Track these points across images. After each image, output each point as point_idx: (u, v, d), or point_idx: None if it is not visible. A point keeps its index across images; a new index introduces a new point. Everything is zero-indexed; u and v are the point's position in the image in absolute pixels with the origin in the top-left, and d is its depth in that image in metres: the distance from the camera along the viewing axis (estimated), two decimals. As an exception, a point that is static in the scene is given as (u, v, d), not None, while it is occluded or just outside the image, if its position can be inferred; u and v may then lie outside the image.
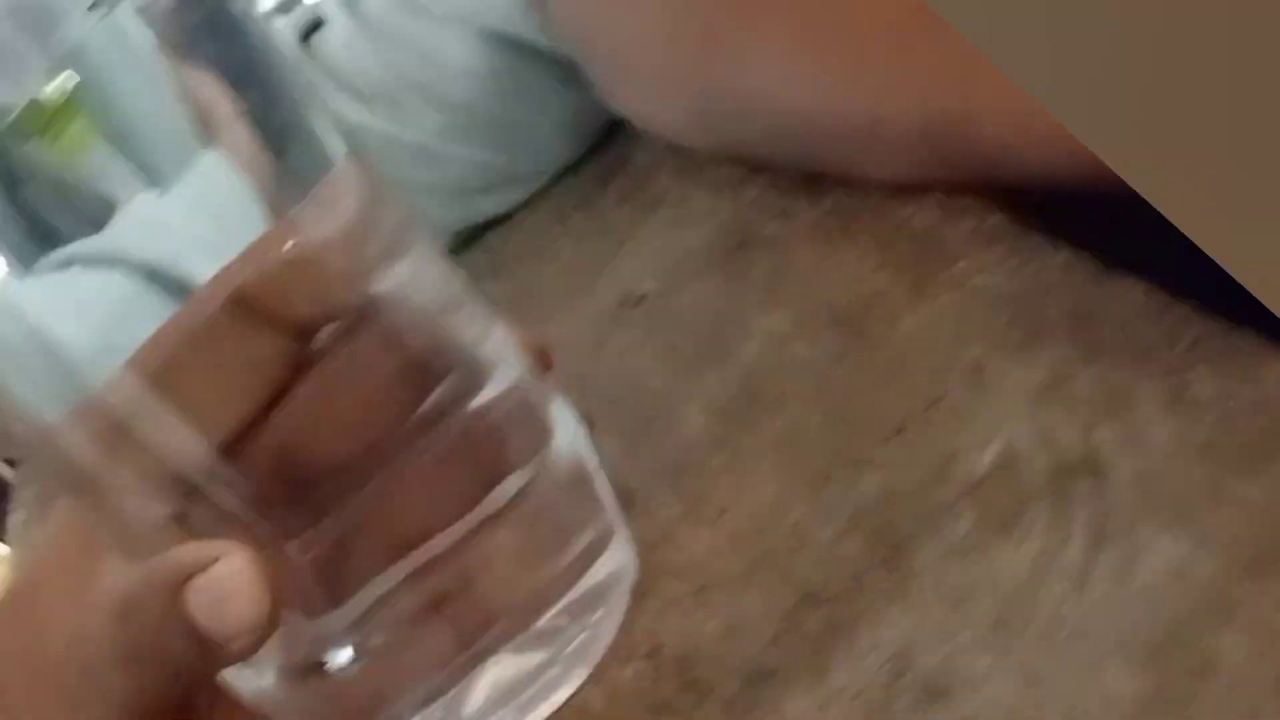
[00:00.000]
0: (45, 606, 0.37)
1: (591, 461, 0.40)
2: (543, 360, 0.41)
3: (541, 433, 0.39)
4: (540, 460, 0.38)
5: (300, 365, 0.34)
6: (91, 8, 0.32)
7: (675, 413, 0.50)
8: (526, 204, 0.67)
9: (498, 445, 0.38)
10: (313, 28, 0.68)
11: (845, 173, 0.52)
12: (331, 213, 0.34)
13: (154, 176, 0.33)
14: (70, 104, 0.32)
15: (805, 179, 0.54)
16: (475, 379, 0.38)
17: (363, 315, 0.34)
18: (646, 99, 0.59)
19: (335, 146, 0.35)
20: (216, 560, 0.32)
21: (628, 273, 0.58)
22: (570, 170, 0.67)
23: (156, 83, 0.34)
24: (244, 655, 0.32)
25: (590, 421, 0.40)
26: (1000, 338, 0.44)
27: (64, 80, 0.32)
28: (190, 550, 0.32)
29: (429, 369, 0.36)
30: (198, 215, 0.34)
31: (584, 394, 0.54)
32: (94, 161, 0.33)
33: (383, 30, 0.65)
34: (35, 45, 0.31)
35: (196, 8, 0.33)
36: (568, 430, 0.40)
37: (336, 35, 0.67)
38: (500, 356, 0.38)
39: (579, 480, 0.40)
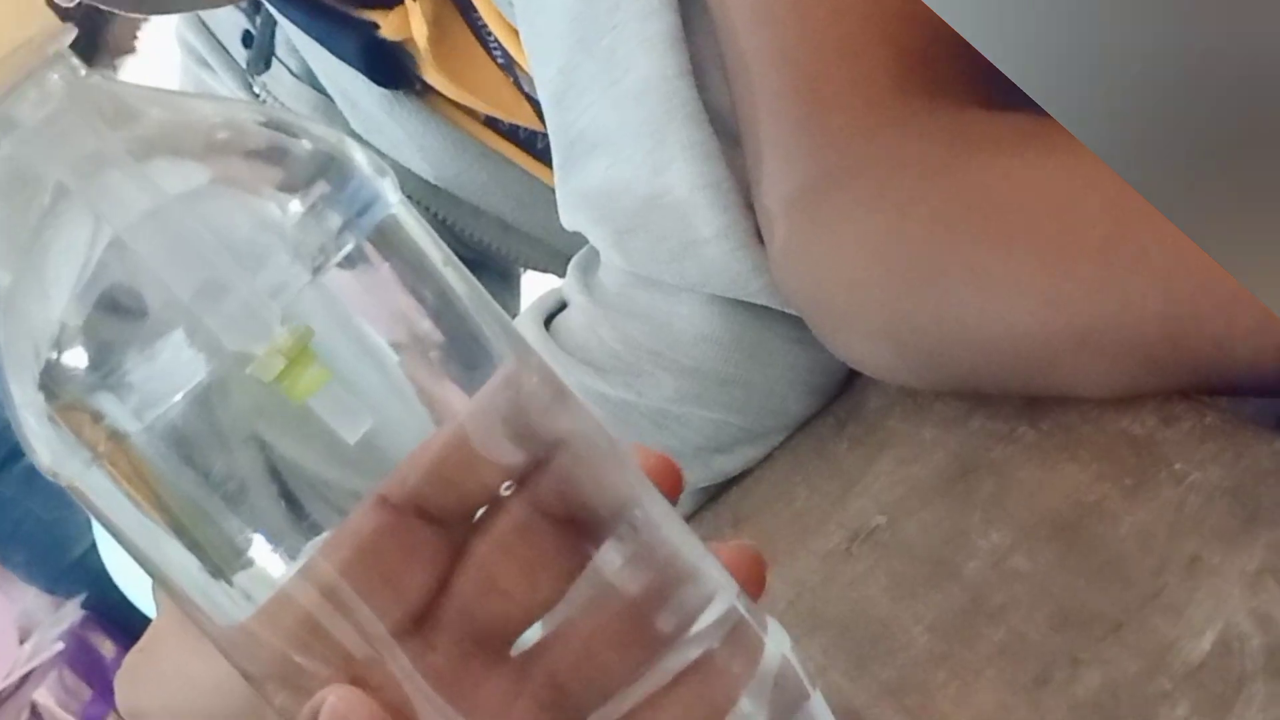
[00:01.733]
0: None
1: (807, 684, 0.40)
2: (755, 575, 0.41)
3: (754, 654, 0.39)
4: (755, 683, 0.39)
5: (464, 543, 0.36)
6: (316, 269, 0.35)
7: (900, 634, 0.50)
8: (766, 459, 0.68)
9: (714, 668, 0.38)
10: (556, 311, 0.72)
11: (1062, 393, 0.53)
12: (490, 403, 0.37)
13: (374, 430, 0.36)
14: (305, 352, 0.35)
15: (1027, 403, 0.55)
16: (696, 605, 0.39)
17: (521, 484, 0.36)
18: (862, 344, 0.60)
19: (501, 341, 0.38)
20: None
21: (859, 510, 0.58)
22: (807, 422, 0.68)
23: (361, 336, 0.37)
24: None
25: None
26: (1217, 528, 0.43)
27: (297, 329, 0.35)
28: (306, 711, 0.35)
29: (591, 529, 0.37)
30: None
31: (815, 627, 0.54)
32: (329, 402, 0.35)
33: (617, 305, 0.68)
34: (269, 297, 0.35)
35: (366, 227, 0.36)
36: (779, 650, 0.40)
37: (575, 315, 0.70)
38: (718, 581, 0.39)
39: (793, 701, 0.40)
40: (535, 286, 0.97)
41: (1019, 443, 0.54)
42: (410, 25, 0.80)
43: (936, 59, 0.57)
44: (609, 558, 0.38)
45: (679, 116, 0.62)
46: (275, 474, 0.36)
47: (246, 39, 0.91)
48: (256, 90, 0.90)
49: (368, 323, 0.37)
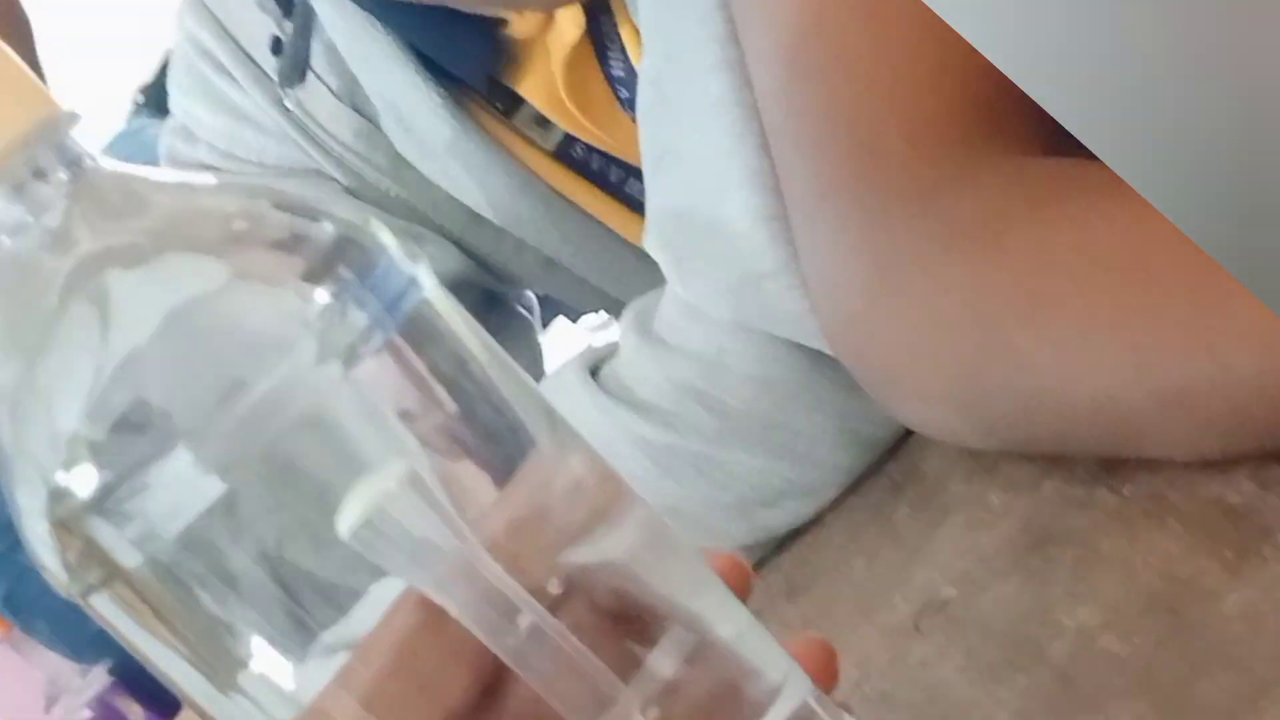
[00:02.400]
0: None
1: None
2: (828, 668, 0.39)
3: None
4: None
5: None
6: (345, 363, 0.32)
7: (984, 722, 0.46)
8: (818, 523, 0.65)
9: None
10: (605, 361, 0.69)
11: (1147, 455, 0.49)
12: (527, 497, 0.34)
13: None
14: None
15: (1104, 465, 0.51)
16: (765, 698, 0.36)
17: (569, 589, 0.33)
18: (924, 409, 0.56)
19: (543, 431, 0.35)
20: None
21: (924, 581, 0.55)
22: (860, 483, 0.65)
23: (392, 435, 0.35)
24: None
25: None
26: (1336, 608, 0.39)
27: None
28: None
29: (644, 629, 0.34)
30: None
31: (887, 711, 0.51)
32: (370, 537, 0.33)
33: (670, 340, 0.65)
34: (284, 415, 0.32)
35: (397, 317, 0.33)
36: None
37: (624, 357, 0.67)
38: (787, 675, 0.36)
39: None
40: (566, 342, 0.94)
41: (1099, 509, 0.50)
42: (546, 23, 0.77)
43: (993, 107, 0.54)
44: (667, 658, 0.35)
45: (749, 144, 0.60)
46: (281, 580, 0.34)
47: (276, 46, 0.82)
48: (289, 105, 0.82)
49: (394, 414, 0.34)
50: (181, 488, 0.31)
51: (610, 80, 0.79)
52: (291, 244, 0.34)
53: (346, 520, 0.32)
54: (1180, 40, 0.26)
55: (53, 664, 1.96)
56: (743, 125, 0.61)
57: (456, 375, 0.35)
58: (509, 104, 0.82)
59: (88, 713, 1.86)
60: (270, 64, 0.83)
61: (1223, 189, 0.28)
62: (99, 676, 1.91)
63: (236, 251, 0.33)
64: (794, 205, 0.59)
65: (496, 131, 0.83)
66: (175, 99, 0.88)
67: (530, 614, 0.33)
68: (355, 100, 0.83)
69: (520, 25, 0.78)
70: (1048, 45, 0.28)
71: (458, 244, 0.86)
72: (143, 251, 0.32)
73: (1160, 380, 0.45)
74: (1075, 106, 0.30)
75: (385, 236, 0.34)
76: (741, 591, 0.38)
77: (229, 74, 0.84)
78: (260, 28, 0.83)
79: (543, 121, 0.82)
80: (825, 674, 0.38)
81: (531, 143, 0.83)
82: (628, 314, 0.69)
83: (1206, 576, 0.44)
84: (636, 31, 0.72)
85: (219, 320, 0.32)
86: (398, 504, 0.32)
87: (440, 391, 0.34)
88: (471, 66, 0.79)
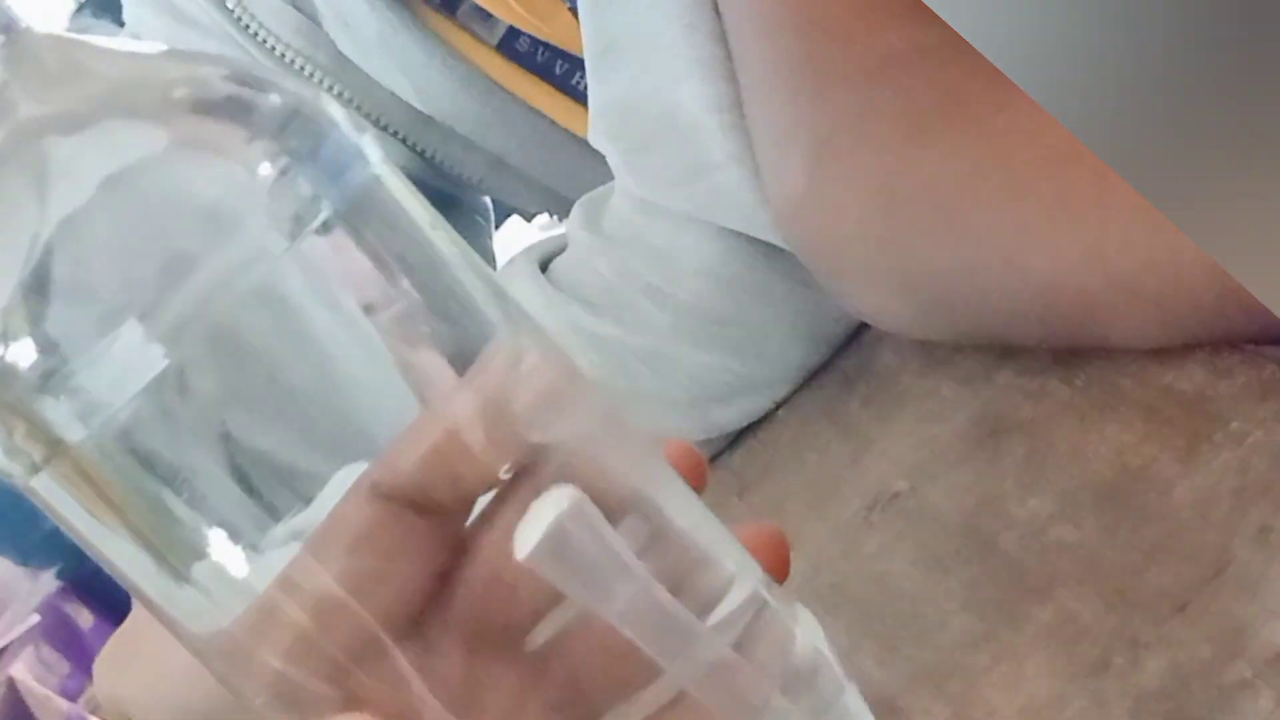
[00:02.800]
0: None
1: (843, 676, 0.37)
2: (779, 556, 0.38)
3: (785, 645, 0.36)
4: (788, 678, 0.36)
5: (465, 537, 0.32)
6: (291, 237, 0.31)
7: (934, 613, 0.46)
8: (770, 418, 0.65)
9: (743, 661, 0.35)
10: (552, 256, 0.68)
11: (1100, 344, 0.49)
12: (484, 383, 0.33)
13: (353, 410, 0.33)
14: None
15: (1057, 357, 0.51)
16: (718, 588, 0.35)
17: (524, 473, 0.33)
18: (872, 293, 0.56)
19: (496, 311, 0.34)
20: None
21: (877, 474, 0.55)
22: (814, 378, 0.64)
23: (342, 311, 0.34)
24: None
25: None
26: (1287, 495, 0.39)
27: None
28: None
29: (604, 511, 0.34)
30: None
31: (837, 603, 0.51)
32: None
33: (621, 235, 0.64)
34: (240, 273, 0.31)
35: (345, 190, 0.32)
36: (812, 640, 0.36)
37: (573, 252, 0.66)
38: (740, 565, 0.36)
39: (829, 695, 0.37)
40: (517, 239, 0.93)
41: (1052, 400, 0.50)
42: None
43: None
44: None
45: (699, 33, 0.59)
46: (235, 464, 0.33)
47: None
48: (231, 6, 0.82)
49: (346, 296, 0.33)
50: (127, 360, 0.30)
51: None
52: (238, 113, 0.33)
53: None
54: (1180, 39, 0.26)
55: (1, 570, 1.95)
56: (693, 14, 0.59)
57: (408, 254, 0.34)
58: (450, 3, 0.81)
59: (36, 617, 1.85)
60: None
61: (1219, 185, 0.28)
62: (47, 581, 1.90)
63: (181, 119, 0.32)
64: (746, 87, 0.58)
65: (439, 26, 0.81)
66: (125, 4, 0.88)
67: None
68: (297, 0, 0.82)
69: None
70: (1041, 38, 0.28)
71: (405, 145, 0.85)
72: (82, 118, 0.31)
73: (1113, 263, 0.45)
74: (1069, 100, 0.29)
75: (334, 110, 0.33)
76: (696, 481, 0.37)
77: None
78: None
79: (485, 15, 0.81)
80: (777, 562, 0.38)
81: (476, 37, 0.82)
82: (576, 209, 0.68)
83: (1158, 465, 0.44)
84: None
85: (162, 188, 0.31)
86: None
87: (392, 270, 0.34)
88: None
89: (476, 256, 0.35)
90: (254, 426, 0.33)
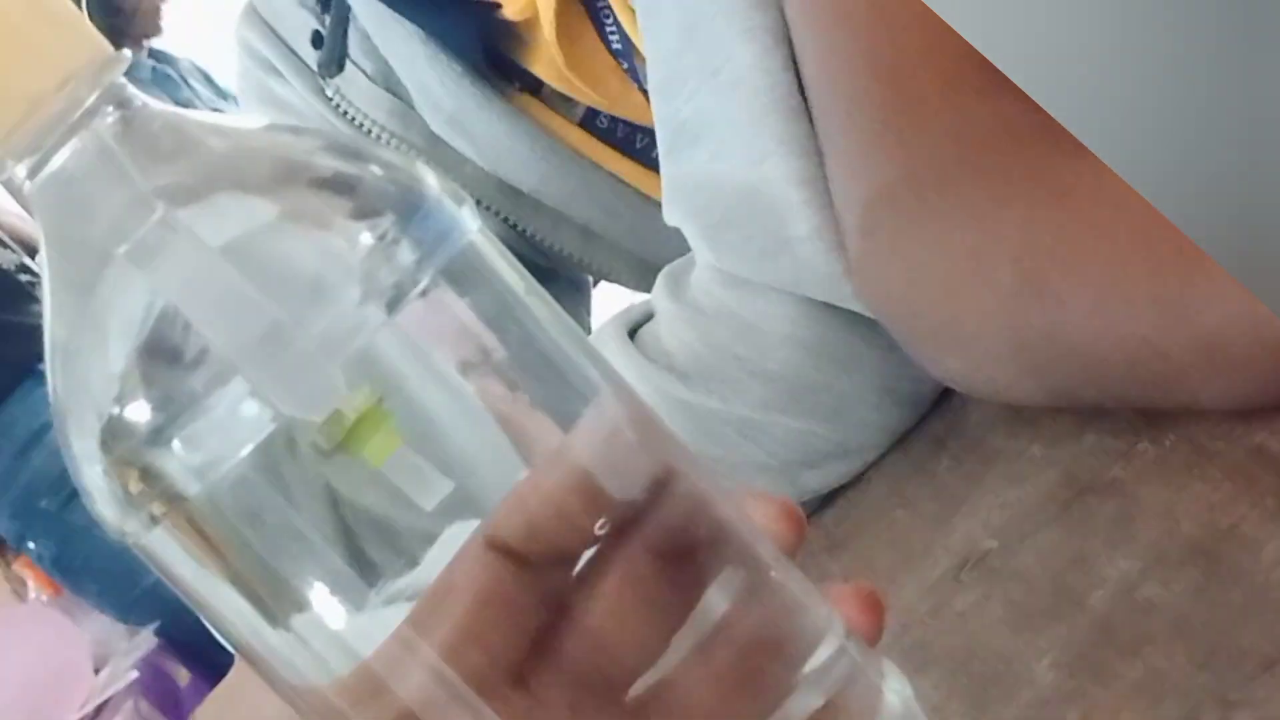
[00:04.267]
0: None
1: None
2: (874, 615, 0.39)
3: (872, 701, 0.37)
4: None
5: (566, 591, 0.33)
6: (390, 306, 0.32)
7: (1024, 671, 0.46)
8: (860, 478, 0.65)
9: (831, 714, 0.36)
10: (640, 323, 0.69)
11: (1190, 406, 0.49)
12: (588, 443, 0.34)
13: (457, 472, 0.34)
14: (373, 412, 0.32)
15: (1145, 417, 0.51)
16: (807, 644, 0.36)
17: (625, 528, 0.34)
18: (957, 360, 0.56)
19: (591, 373, 0.35)
20: None
21: (965, 533, 0.55)
22: (902, 440, 0.65)
23: (441, 376, 0.35)
24: None
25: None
26: (1377, 554, 0.39)
27: (365, 390, 0.32)
28: None
29: (697, 571, 0.34)
30: None
31: (925, 661, 0.51)
32: (401, 467, 0.33)
33: (706, 306, 0.65)
34: (330, 357, 0.32)
35: (442, 258, 0.33)
36: (899, 696, 0.37)
37: (661, 322, 0.67)
38: (830, 622, 0.37)
39: None
40: (609, 301, 0.94)
41: (1140, 460, 0.50)
42: (535, 3, 0.78)
43: None
44: (716, 600, 0.35)
45: (779, 110, 0.60)
46: (341, 521, 0.34)
47: (316, 40, 0.86)
48: (330, 94, 0.86)
49: (448, 360, 0.34)
50: (239, 418, 0.31)
51: (614, 54, 0.79)
52: (340, 185, 0.34)
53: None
54: (1179, 39, 0.26)
55: (101, 626, 1.98)
56: (769, 93, 0.61)
57: (505, 317, 0.35)
58: (531, 83, 0.83)
59: (135, 674, 1.88)
60: (312, 57, 0.87)
61: (1223, 189, 0.29)
62: (146, 638, 1.93)
63: (287, 192, 0.34)
64: (831, 157, 0.59)
65: (523, 104, 0.84)
66: (241, 102, 0.93)
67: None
68: (389, 83, 0.86)
69: (511, 7, 0.79)
70: (1046, 42, 0.29)
71: (499, 219, 0.87)
72: (194, 190, 0.33)
73: (1197, 326, 0.45)
74: (1072, 104, 0.30)
75: (430, 179, 0.35)
76: (795, 535, 0.38)
77: (276, 70, 0.88)
78: (302, 24, 0.87)
79: (566, 97, 0.83)
80: (872, 620, 0.38)
81: (559, 113, 0.84)
82: (661, 279, 0.70)
83: (1247, 524, 0.44)
84: (627, 3, 0.73)
85: (269, 259, 0.33)
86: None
87: (490, 334, 0.35)
88: (468, 45, 0.81)
89: (571, 321, 0.36)
90: (358, 493, 0.34)
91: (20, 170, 0.33)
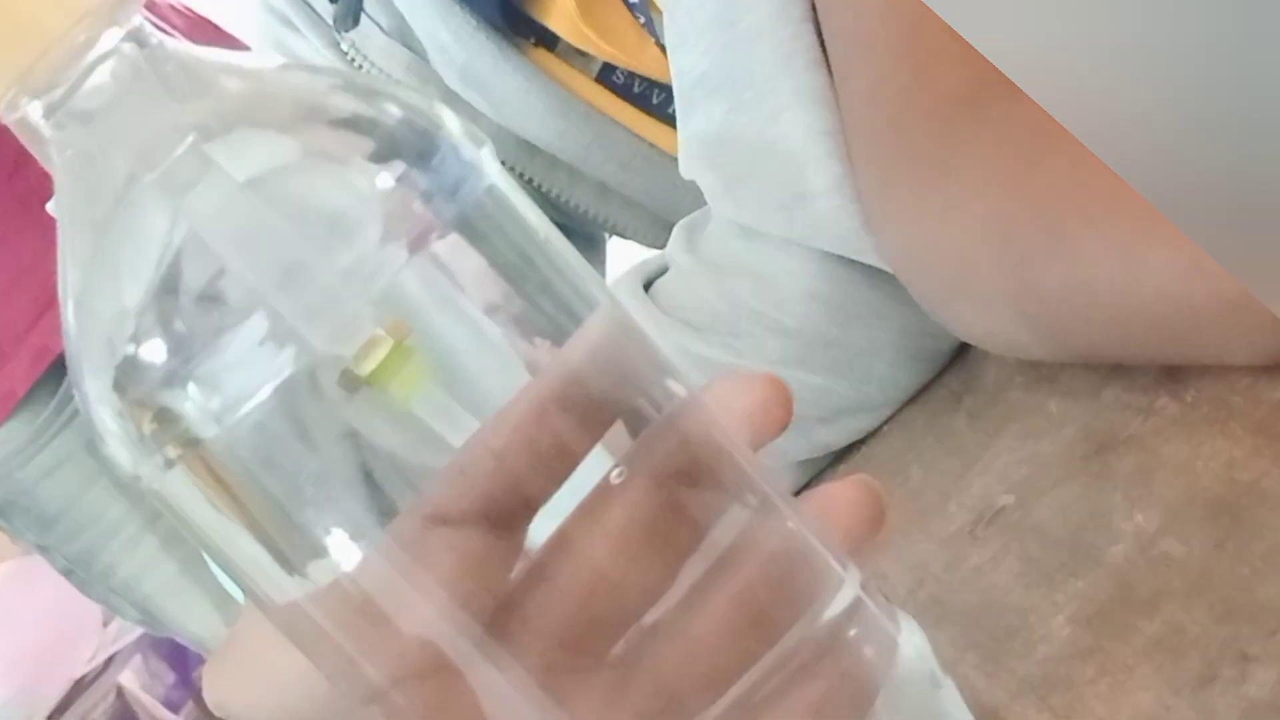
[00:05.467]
0: None
1: (941, 675, 0.37)
2: (874, 506, 0.38)
3: (887, 649, 0.36)
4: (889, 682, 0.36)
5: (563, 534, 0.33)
6: (412, 246, 0.32)
7: (1039, 626, 0.46)
8: (875, 433, 0.65)
9: (843, 666, 0.35)
10: (656, 276, 0.69)
11: (1214, 361, 0.49)
12: (583, 354, 0.34)
13: (482, 412, 0.33)
14: (400, 349, 0.32)
15: (1166, 373, 0.51)
16: (817, 594, 0.35)
17: (632, 461, 0.33)
18: (978, 315, 0.56)
19: (596, 291, 0.35)
20: None
21: (981, 489, 0.55)
22: (919, 395, 0.64)
23: (465, 315, 0.34)
24: None
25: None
26: (1401, 509, 0.39)
27: (393, 326, 0.32)
28: None
29: (700, 507, 0.34)
30: None
31: (941, 616, 0.51)
32: (428, 406, 0.32)
33: (722, 260, 0.65)
34: (362, 285, 0.32)
35: (463, 199, 0.33)
36: (915, 648, 0.37)
37: (676, 276, 0.67)
38: (845, 567, 0.36)
39: (927, 697, 0.37)
40: (622, 258, 0.94)
41: (1160, 416, 0.50)
42: None
43: None
44: (717, 540, 0.34)
45: (798, 61, 0.59)
46: (362, 465, 0.33)
47: None
48: (345, 48, 0.85)
49: (470, 301, 0.34)
50: (259, 358, 0.31)
51: (630, 7, 0.79)
52: (357, 125, 0.34)
53: None
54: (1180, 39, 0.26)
55: (109, 580, 1.98)
56: (791, 44, 0.60)
57: (523, 260, 0.34)
58: (547, 38, 0.83)
59: (141, 628, 1.88)
60: (328, 11, 0.86)
61: (1221, 188, 0.28)
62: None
63: (307, 130, 0.33)
64: (849, 111, 0.58)
65: (538, 58, 0.83)
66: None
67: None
68: (405, 38, 0.85)
69: None
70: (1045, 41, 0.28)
71: (515, 175, 0.87)
72: (213, 129, 0.32)
73: (1222, 280, 0.45)
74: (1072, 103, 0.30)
75: (450, 120, 0.34)
76: (783, 415, 0.37)
77: (291, 24, 0.88)
78: None
79: (582, 51, 0.83)
80: (873, 513, 0.38)
81: (575, 68, 0.84)
82: (676, 232, 0.69)
83: (1268, 480, 0.43)
84: None
85: (285, 197, 0.32)
86: None
87: (507, 275, 0.34)
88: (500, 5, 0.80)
89: (586, 263, 0.36)
90: (382, 433, 0.34)
91: (36, 108, 0.32)
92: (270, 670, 0.76)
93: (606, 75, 0.84)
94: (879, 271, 0.62)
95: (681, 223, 0.69)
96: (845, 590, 0.36)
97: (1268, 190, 0.27)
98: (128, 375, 0.32)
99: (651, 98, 0.84)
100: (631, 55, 0.81)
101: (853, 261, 0.63)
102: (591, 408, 0.33)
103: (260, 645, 0.79)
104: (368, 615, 0.33)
